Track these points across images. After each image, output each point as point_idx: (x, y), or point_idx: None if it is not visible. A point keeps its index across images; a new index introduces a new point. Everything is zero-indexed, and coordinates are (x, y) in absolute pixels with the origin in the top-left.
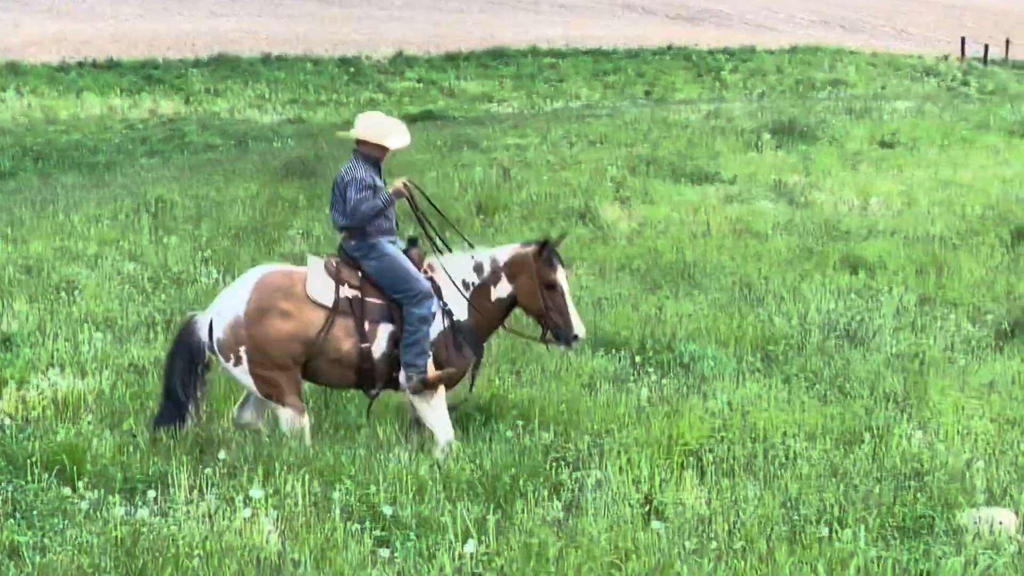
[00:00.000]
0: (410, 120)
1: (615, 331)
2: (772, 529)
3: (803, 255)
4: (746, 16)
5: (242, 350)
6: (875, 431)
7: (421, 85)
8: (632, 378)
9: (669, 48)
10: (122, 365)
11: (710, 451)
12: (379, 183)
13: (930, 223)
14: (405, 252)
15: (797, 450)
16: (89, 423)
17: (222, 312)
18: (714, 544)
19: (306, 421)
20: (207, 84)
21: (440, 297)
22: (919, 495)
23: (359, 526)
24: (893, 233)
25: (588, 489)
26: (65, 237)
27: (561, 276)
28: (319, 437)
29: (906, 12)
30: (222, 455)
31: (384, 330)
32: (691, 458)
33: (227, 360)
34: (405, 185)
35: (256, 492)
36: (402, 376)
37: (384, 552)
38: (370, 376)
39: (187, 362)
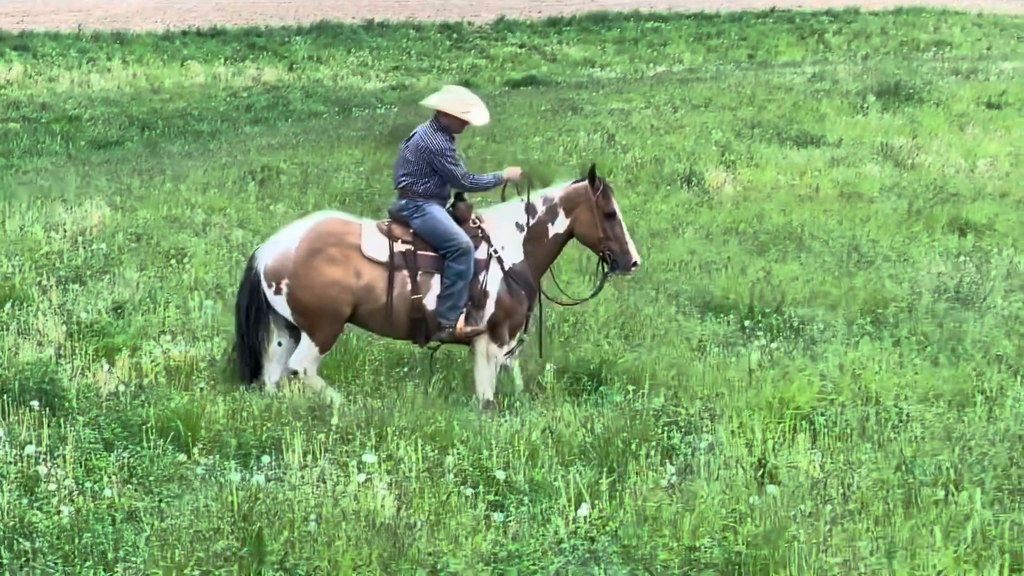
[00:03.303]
0: (513, 85)
1: (723, 295)
2: (887, 492)
3: (911, 218)
4: None
5: (284, 282)
6: (988, 393)
7: (523, 50)
8: (741, 342)
9: (772, 11)
10: (232, 332)
11: (822, 414)
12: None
13: None
14: (453, 206)
15: (910, 412)
16: (202, 389)
17: (277, 243)
18: (829, 507)
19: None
20: (310, 51)
21: (490, 243)
22: None
23: (472, 491)
24: (1002, 195)
25: (700, 453)
26: (173, 205)
27: (616, 205)
28: (430, 402)
29: None
30: (335, 420)
31: (436, 281)
32: (803, 421)
33: (269, 287)
34: (524, 175)
35: (369, 457)
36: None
37: (498, 516)
38: (422, 327)
39: (249, 295)
